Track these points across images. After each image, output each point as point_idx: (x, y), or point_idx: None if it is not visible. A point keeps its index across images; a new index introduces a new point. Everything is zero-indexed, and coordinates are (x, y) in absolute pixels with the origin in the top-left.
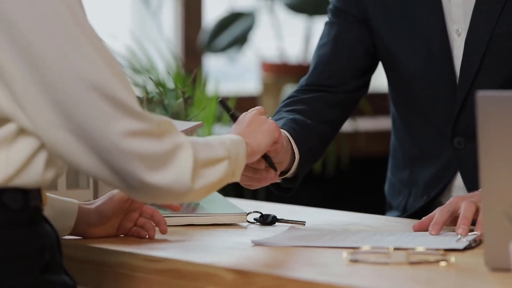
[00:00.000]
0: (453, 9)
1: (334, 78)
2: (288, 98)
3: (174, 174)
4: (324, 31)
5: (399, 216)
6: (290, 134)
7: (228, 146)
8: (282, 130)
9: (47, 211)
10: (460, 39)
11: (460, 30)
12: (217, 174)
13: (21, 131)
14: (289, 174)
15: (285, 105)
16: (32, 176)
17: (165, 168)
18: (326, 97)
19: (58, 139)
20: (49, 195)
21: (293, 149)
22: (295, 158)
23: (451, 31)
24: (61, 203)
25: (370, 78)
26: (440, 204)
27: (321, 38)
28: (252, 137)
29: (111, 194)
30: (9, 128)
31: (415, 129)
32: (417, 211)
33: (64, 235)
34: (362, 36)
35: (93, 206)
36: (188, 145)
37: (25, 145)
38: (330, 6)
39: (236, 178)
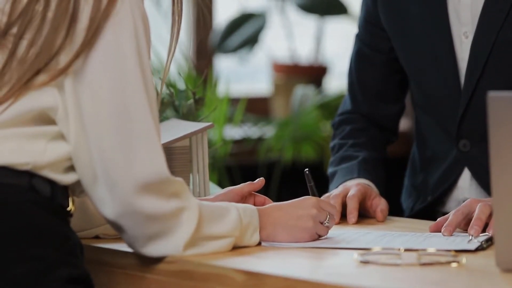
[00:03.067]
0: (462, 12)
1: (373, 108)
2: (342, 124)
3: (168, 246)
4: (353, 47)
5: (406, 216)
6: (370, 181)
7: (242, 226)
8: (367, 182)
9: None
10: (468, 41)
11: (468, 33)
12: (214, 247)
13: (61, 136)
14: None
15: (344, 137)
16: (60, 173)
17: (161, 239)
18: (375, 122)
19: (86, 175)
20: None
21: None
22: None
23: (459, 33)
24: None
25: (404, 95)
26: (443, 204)
27: (351, 58)
28: (277, 225)
29: (229, 188)
30: (54, 128)
31: (427, 131)
32: (420, 211)
33: None
34: (385, 52)
35: (212, 197)
36: (194, 217)
37: (63, 147)
38: (359, 17)
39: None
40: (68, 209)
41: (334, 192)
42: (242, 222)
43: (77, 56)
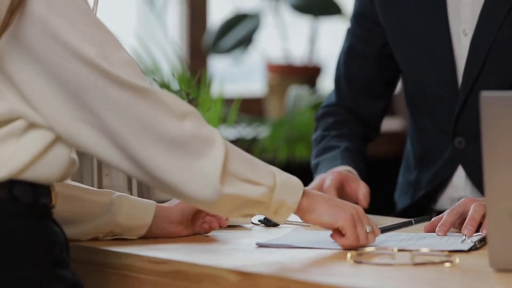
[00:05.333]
0: (462, 9)
1: (357, 103)
2: (325, 116)
3: (197, 167)
4: (344, 41)
5: (399, 210)
6: (355, 169)
7: (275, 181)
8: (349, 168)
9: (124, 209)
10: (467, 39)
11: (467, 30)
12: (251, 192)
13: (31, 126)
14: None
15: (327, 129)
16: (43, 170)
17: (187, 156)
18: (358, 117)
19: (73, 130)
20: (126, 195)
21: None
22: None
23: (458, 31)
24: (138, 202)
25: (391, 92)
26: (437, 201)
27: (340, 52)
28: (319, 198)
29: None
30: (18, 123)
31: (422, 128)
32: (412, 206)
33: (142, 233)
34: (376, 45)
35: (173, 204)
36: (220, 146)
37: (35, 139)
38: (352, 11)
39: (279, 220)
40: (51, 204)
41: (311, 185)
42: (276, 176)
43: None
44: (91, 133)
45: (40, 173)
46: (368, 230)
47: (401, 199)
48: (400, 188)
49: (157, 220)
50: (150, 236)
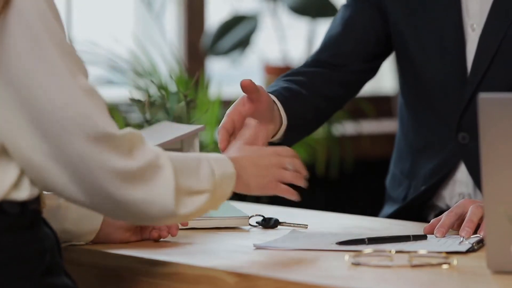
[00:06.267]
0: (470, 5)
1: (338, 58)
2: (290, 71)
3: (152, 193)
4: (338, 12)
5: (398, 207)
6: (278, 99)
7: (216, 179)
8: (271, 96)
9: (72, 214)
10: (474, 34)
11: (475, 26)
12: (199, 203)
13: (5, 150)
14: (275, 139)
15: (284, 76)
16: (24, 190)
17: (142, 185)
18: (327, 73)
19: (34, 162)
20: None
21: (281, 116)
22: (282, 124)
23: (466, 26)
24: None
25: (379, 64)
26: (440, 197)
27: (334, 19)
28: (249, 170)
29: None
30: None
31: (422, 120)
32: (414, 200)
33: (90, 239)
34: (376, 23)
35: None
36: (168, 167)
37: (12, 164)
38: None
39: (216, 208)
40: (41, 206)
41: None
42: (215, 173)
43: None
44: (50, 166)
45: (23, 193)
46: (290, 168)
47: (394, 190)
48: (392, 177)
49: (104, 226)
50: (97, 242)
